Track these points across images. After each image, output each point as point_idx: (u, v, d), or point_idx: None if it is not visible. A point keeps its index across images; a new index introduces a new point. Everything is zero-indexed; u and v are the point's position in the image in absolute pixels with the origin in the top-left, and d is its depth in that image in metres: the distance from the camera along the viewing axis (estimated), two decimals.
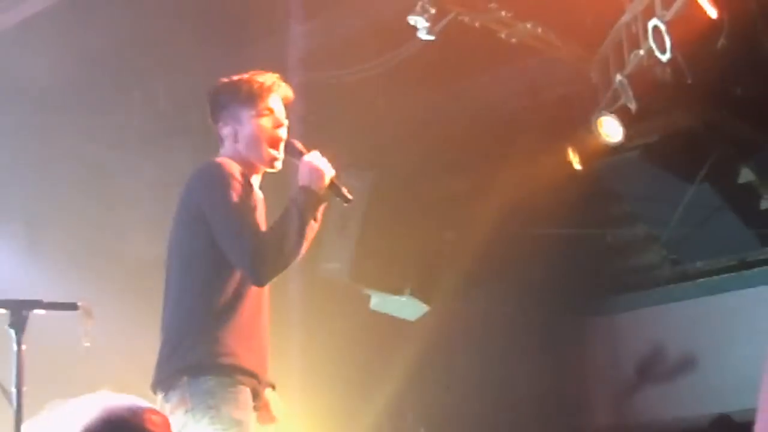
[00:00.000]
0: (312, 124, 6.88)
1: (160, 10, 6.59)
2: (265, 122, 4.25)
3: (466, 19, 6.49)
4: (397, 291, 7.99)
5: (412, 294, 7.96)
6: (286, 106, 4.36)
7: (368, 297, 8.01)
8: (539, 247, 8.16)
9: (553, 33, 6.72)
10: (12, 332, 3.91)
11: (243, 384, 4.04)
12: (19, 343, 3.90)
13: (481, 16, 6.57)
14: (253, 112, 4.25)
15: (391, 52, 7.01)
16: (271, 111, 4.27)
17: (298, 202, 4.12)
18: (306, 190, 4.15)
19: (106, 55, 6.93)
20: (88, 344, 6.09)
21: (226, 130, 4.29)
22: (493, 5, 6.48)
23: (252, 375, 4.07)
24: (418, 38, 6.50)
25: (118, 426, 2.05)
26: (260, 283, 4.08)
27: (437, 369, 8.73)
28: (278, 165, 4.28)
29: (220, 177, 4.10)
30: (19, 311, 3.89)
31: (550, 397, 9.51)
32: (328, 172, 4.21)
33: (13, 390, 3.90)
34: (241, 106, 4.26)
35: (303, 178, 4.19)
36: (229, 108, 4.29)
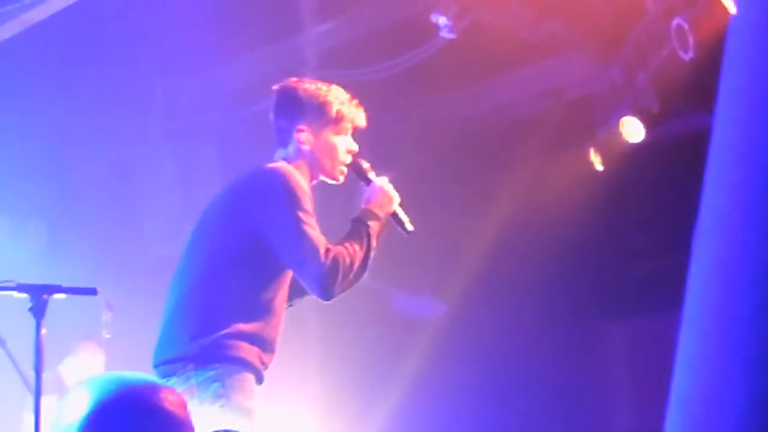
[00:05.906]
0: None
1: (179, 9, 6.60)
2: (342, 141, 4.22)
3: (488, 18, 6.49)
4: (417, 290, 7.96)
5: (431, 293, 7.93)
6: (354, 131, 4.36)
7: (386, 295, 7.99)
8: (559, 249, 8.11)
9: (574, 33, 6.70)
10: (32, 317, 3.92)
11: (250, 374, 4.02)
12: (38, 328, 3.90)
13: (502, 15, 6.57)
14: (337, 129, 4.22)
15: (410, 53, 6.99)
16: (348, 133, 4.26)
17: (369, 227, 4.15)
18: (376, 216, 4.18)
19: (126, 53, 6.94)
20: (108, 336, 6.15)
21: (302, 136, 4.20)
22: (514, 4, 6.46)
23: (257, 370, 4.04)
24: (436, 39, 6.49)
25: (134, 401, 2.02)
26: (327, 301, 4.09)
27: (452, 370, 8.69)
28: (341, 180, 4.27)
29: (287, 192, 4.02)
30: (39, 296, 3.90)
31: (568, 402, 9.47)
32: (396, 199, 4.25)
33: (33, 374, 3.93)
34: (326, 120, 4.22)
35: (374, 203, 4.20)
36: (313, 116, 4.23)
